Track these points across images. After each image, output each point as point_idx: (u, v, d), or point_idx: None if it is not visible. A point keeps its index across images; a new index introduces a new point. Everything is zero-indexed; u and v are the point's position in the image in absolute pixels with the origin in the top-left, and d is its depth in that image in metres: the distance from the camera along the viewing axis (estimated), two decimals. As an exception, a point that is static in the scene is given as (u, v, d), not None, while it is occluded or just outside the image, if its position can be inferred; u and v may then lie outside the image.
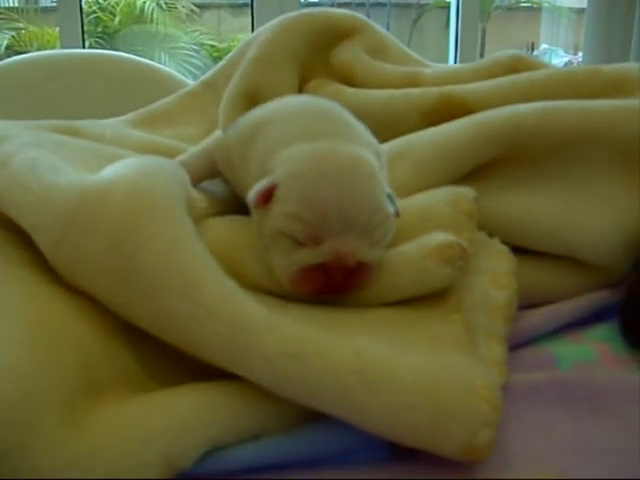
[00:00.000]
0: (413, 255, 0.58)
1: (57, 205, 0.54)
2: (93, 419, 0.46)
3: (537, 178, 0.75)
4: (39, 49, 4.29)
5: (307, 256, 0.54)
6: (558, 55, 4.98)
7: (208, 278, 0.50)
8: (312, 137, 0.58)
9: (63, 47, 2.38)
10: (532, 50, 5.22)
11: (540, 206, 0.73)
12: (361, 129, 0.65)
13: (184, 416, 0.46)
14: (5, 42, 4.54)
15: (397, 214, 0.59)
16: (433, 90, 0.91)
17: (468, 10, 2.71)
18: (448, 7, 3.20)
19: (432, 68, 1.05)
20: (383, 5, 5.43)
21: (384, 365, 0.47)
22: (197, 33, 5.16)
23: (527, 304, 0.71)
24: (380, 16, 5.35)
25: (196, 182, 0.70)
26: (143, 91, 1.58)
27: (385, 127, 0.87)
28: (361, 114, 0.95)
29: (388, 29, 5.33)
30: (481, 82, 0.90)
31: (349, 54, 1.06)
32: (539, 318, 0.67)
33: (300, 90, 1.07)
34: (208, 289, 0.50)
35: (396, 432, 0.46)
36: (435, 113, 0.88)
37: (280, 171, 0.56)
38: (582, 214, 0.71)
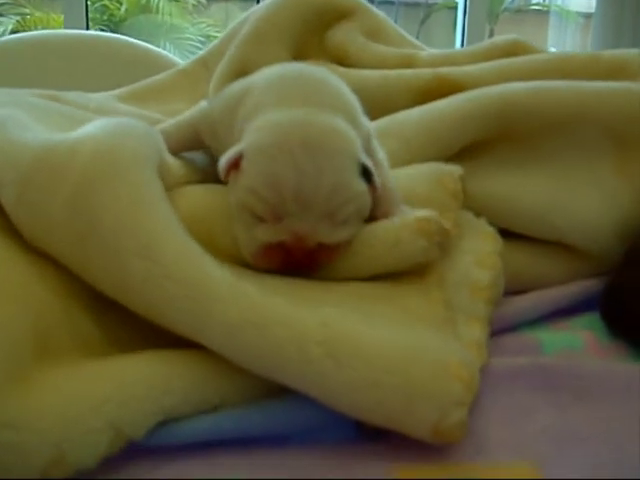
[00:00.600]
0: (389, 228, 0.56)
1: (20, 161, 0.52)
2: (42, 381, 0.43)
3: (527, 160, 0.73)
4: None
5: (266, 233, 0.52)
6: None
7: (169, 239, 0.48)
8: (287, 104, 0.55)
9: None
10: (540, 53, 5.18)
11: (528, 188, 0.70)
12: (351, 102, 0.61)
13: (135, 382, 0.43)
14: (10, 27, 4.53)
15: (375, 188, 0.55)
16: (427, 71, 0.88)
17: (475, 11, 2.68)
18: (456, 7, 3.18)
19: (428, 51, 1.02)
20: (391, 3, 5.41)
21: (352, 338, 0.45)
22: (204, 25, 5.15)
23: (514, 290, 0.69)
24: (388, 14, 5.33)
25: (177, 151, 0.68)
26: (142, 74, 1.56)
27: (378, 107, 0.85)
28: (355, 94, 0.94)
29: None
30: (477, 64, 0.88)
31: (344, 35, 1.03)
32: (525, 304, 0.65)
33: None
34: (168, 249, 0.47)
35: (362, 409, 0.44)
36: (429, 93, 0.85)
37: (247, 141, 0.54)
38: (571, 198, 0.69)
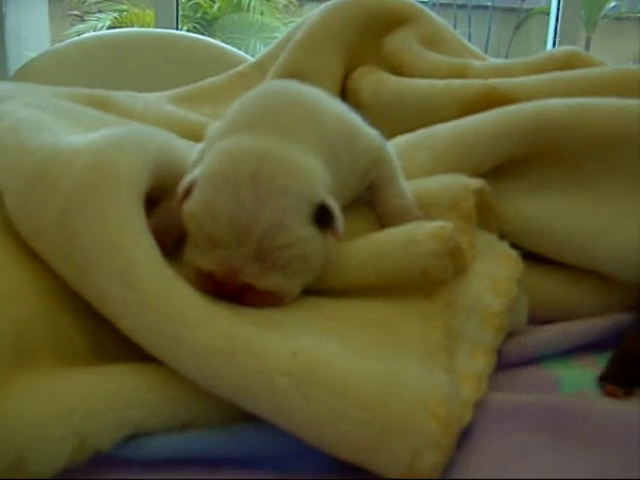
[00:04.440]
0: (404, 229, 0.55)
1: (24, 169, 0.53)
2: (15, 388, 0.43)
3: (565, 182, 0.68)
4: (139, 31, 4.41)
5: (199, 259, 0.50)
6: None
7: (146, 264, 0.48)
8: (252, 130, 0.52)
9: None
10: (640, 62, 4.97)
11: (565, 212, 0.66)
12: (334, 129, 0.56)
13: (101, 394, 0.43)
14: (108, 23, 4.70)
15: (337, 232, 0.51)
16: (477, 82, 0.85)
17: (568, 18, 2.58)
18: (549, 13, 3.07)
19: (484, 61, 0.98)
20: (485, 8, 5.30)
21: (323, 369, 0.43)
22: (295, 24, 5.19)
23: (544, 319, 0.65)
24: (482, 19, 5.22)
25: None
26: (215, 73, 1.58)
27: (425, 117, 0.83)
28: (401, 103, 0.92)
29: (489, 33, 5.21)
30: (529, 76, 0.83)
31: (400, 42, 1.01)
32: (549, 335, 0.61)
33: (347, 76, 1.03)
34: (145, 275, 0.47)
35: (331, 444, 0.42)
36: (476, 105, 0.82)
37: (202, 166, 0.52)
38: (609, 226, 0.64)
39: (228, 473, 0.44)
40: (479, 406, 0.49)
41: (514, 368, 0.58)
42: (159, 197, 0.57)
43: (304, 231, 0.50)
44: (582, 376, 0.57)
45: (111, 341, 0.49)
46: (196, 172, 0.52)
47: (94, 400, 0.43)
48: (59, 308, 0.50)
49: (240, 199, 0.48)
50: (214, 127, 0.59)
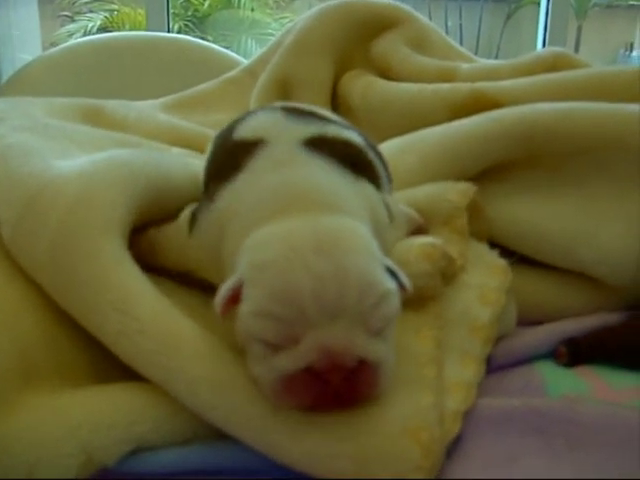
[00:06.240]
0: (393, 252, 0.54)
1: (15, 199, 0.53)
2: (23, 406, 0.45)
3: (553, 186, 0.69)
4: (130, 30, 4.41)
5: (287, 361, 0.42)
6: (658, 57, 4.73)
7: (145, 295, 0.49)
8: (282, 215, 0.47)
9: (149, 29, 2.42)
10: (631, 50, 4.97)
11: (553, 216, 0.67)
12: (350, 195, 0.52)
13: (107, 410, 0.45)
14: (98, 23, 4.70)
15: (403, 287, 0.47)
16: (465, 86, 0.86)
17: (559, 7, 2.58)
18: (539, 3, 3.07)
19: (472, 64, 0.99)
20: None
21: None
22: (287, 20, 5.18)
23: (535, 321, 0.66)
24: (473, 10, 5.22)
25: None
26: (207, 76, 1.59)
27: (414, 121, 0.85)
28: (390, 107, 0.93)
29: (480, 24, 5.21)
30: (516, 79, 0.85)
31: (388, 46, 1.02)
32: (537, 337, 0.62)
33: (337, 80, 1.04)
34: (144, 305, 0.48)
35: (321, 475, 0.43)
36: (464, 109, 0.83)
37: (244, 262, 0.45)
38: (597, 229, 0.66)
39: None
40: (468, 411, 0.51)
41: (503, 371, 0.60)
42: (149, 222, 0.58)
43: (391, 284, 0.45)
44: (568, 379, 0.58)
45: (111, 362, 0.50)
46: (233, 278, 0.45)
47: (99, 416, 0.44)
48: (60, 330, 0.51)
49: (314, 271, 0.42)
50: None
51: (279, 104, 0.66)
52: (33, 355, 0.48)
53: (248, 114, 0.63)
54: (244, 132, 0.59)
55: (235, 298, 0.44)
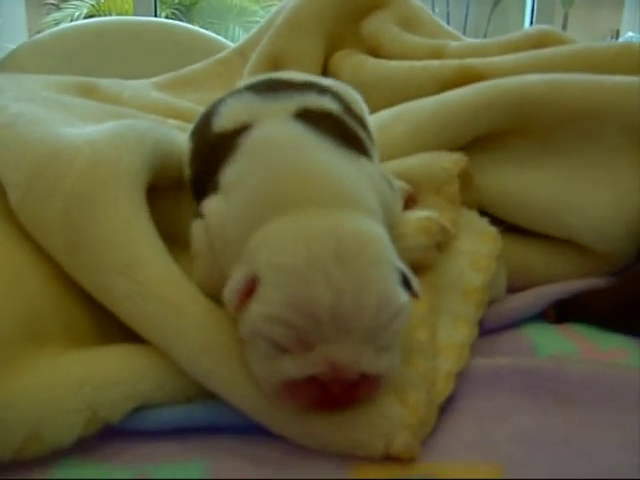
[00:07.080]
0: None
1: (25, 163, 0.54)
2: (27, 365, 0.46)
3: (541, 155, 0.71)
4: (117, 18, 4.38)
5: (293, 366, 0.42)
6: (644, 44, 4.74)
7: (152, 260, 0.50)
8: (296, 207, 0.45)
9: (135, 16, 2.41)
10: (617, 38, 4.99)
11: (541, 184, 0.69)
12: (359, 181, 0.50)
13: (112, 368, 0.46)
14: (85, 11, 4.67)
15: (415, 295, 0.46)
16: (453, 62, 0.88)
17: (544, -7, 2.60)
18: (528, -10, 3.08)
19: (461, 42, 1.01)
20: (463, -14, 5.30)
21: None
22: (274, 7, 5.16)
23: (524, 288, 0.68)
24: (460, -3, 5.22)
25: None
26: (196, 60, 1.59)
27: (404, 97, 0.86)
28: (381, 84, 0.94)
29: (467, 11, 5.21)
30: (503, 56, 0.86)
31: (378, 25, 1.03)
32: (526, 301, 0.64)
33: (327, 58, 1.05)
34: (149, 270, 0.49)
35: (315, 444, 0.45)
36: (454, 84, 0.84)
37: (260, 259, 0.44)
38: (583, 196, 0.67)
39: (228, 439, 0.47)
40: (461, 371, 0.52)
41: (493, 334, 0.61)
42: (157, 186, 0.59)
43: (405, 297, 0.44)
44: (556, 340, 0.60)
45: (116, 325, 0.51)
46: (245, 270, 0.44)
47: (104, 373, 0.45)
48: (63, 290, 0.52)
49: (335, 283, 0.41)
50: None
51: (240, 86, 0.64)
52: (39, 317, 0.49)
53: (217, 105, 0.60)
54: (224, 123, 0.56)
55: (249, 292, 0.43)
